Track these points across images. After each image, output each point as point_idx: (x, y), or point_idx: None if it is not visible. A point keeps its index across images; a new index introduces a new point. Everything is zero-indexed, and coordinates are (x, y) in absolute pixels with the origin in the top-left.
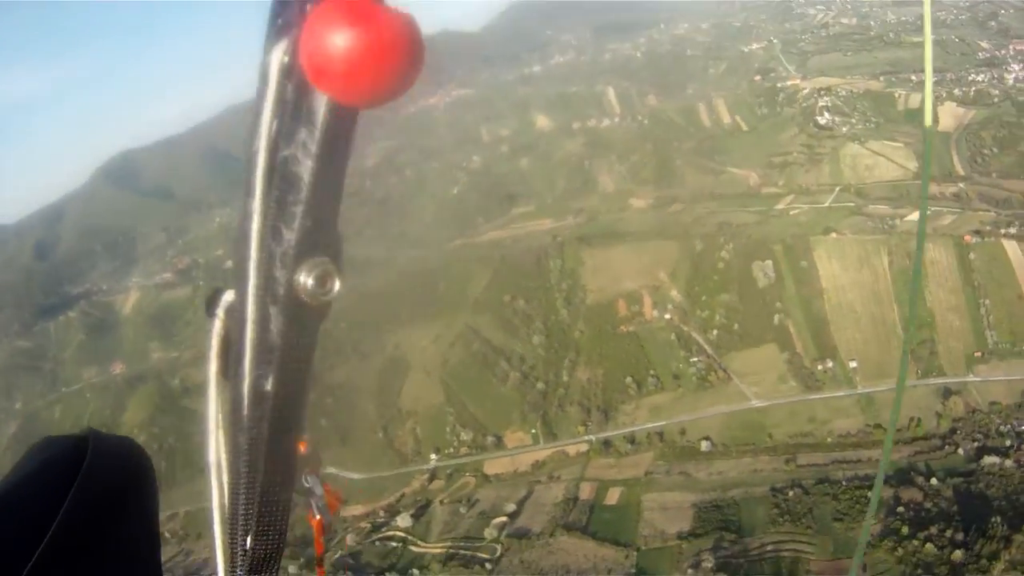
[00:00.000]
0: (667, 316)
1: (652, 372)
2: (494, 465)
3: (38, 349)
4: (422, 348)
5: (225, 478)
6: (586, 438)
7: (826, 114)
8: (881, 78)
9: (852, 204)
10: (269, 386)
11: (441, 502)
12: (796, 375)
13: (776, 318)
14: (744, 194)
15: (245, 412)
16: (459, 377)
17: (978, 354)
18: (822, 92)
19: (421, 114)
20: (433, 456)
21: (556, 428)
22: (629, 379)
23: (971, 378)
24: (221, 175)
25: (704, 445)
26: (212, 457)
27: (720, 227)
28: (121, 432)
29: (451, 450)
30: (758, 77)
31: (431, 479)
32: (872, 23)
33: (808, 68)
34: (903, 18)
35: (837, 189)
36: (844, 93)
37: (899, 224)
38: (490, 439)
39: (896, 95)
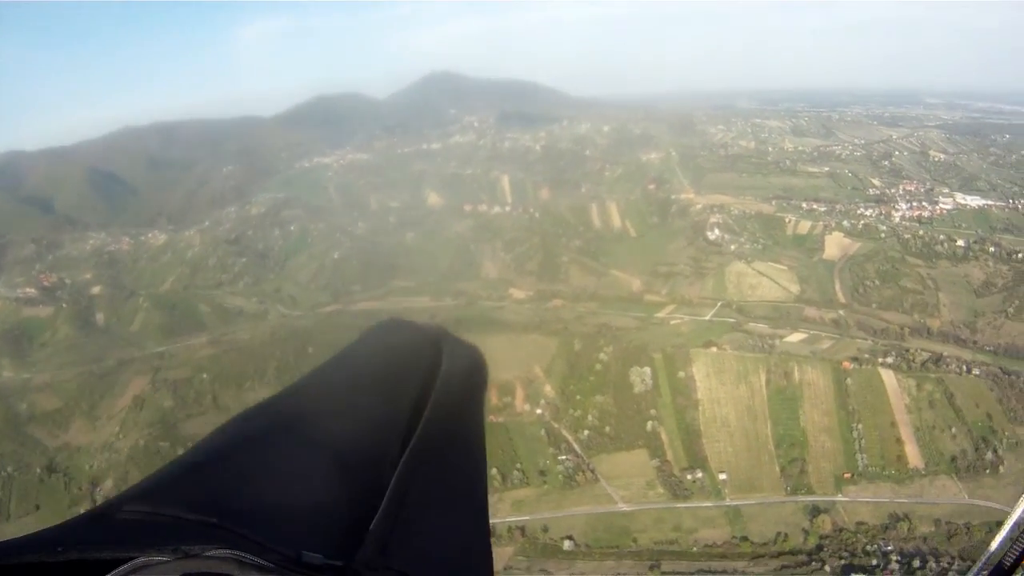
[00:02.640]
0: (539, 411)
1: (518, 465)
2: None
3: None
4: None
5: None
6: None
7: (716, 230)
8: (773, 202)
9: (733, 320)
10: None
11: None
12: (665, 482)
13: (649, 424)
14: (626, 299)
15: None
16: None
17: (847, 475)
18: (714, 209)
19: (314, 171)
20: None
21: None
22: (494, 470)
23: (839, 498)
24: (103, 196)
25: (567, 544)
26: None
27: (600, 328)
28: None
29: None
30: (652, 186)
31: None
32: (770, 148)
33: (703, 184)
34: (800, 148)
35: (719, 304)
36: (736, 212)
37: (778, 344)
38: None
39: (786, 220)
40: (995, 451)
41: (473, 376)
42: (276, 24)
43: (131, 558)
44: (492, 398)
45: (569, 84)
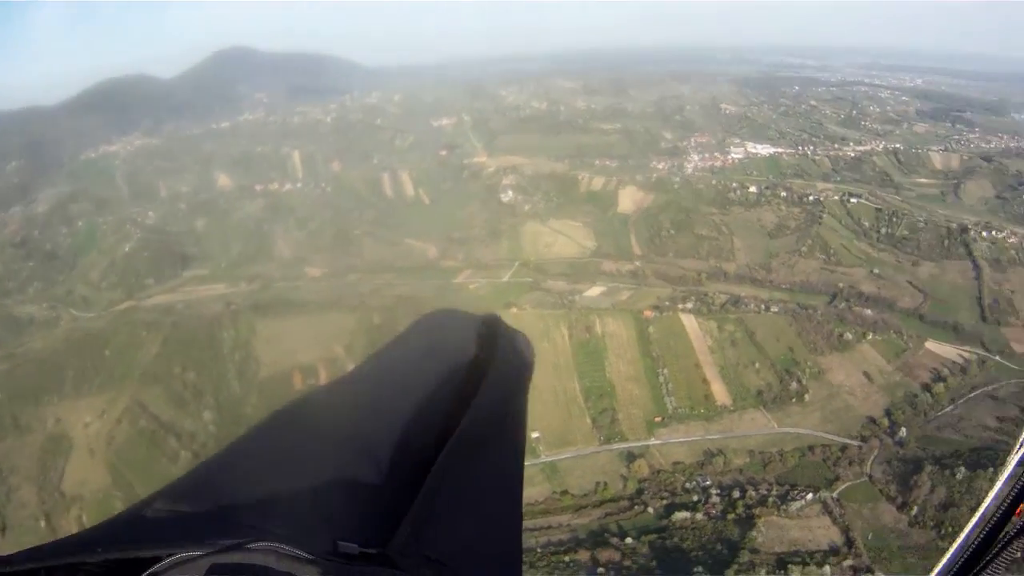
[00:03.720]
0: None
1: None
2: None
3: None
4: (86, 424)
5: None
6: None
7: (510, 192)
8: (566, 161)
9: (531, 280)
10: None
11: None
12: None
13: None
14: (423, 267)
15: None
16: (126, 457)
17: (658, 419)
18: (507, 171)
19: (101, 161)
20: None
21: None
22: None
23: (653, 441)
24: None
25: None
26: None
27: (398, 300)
28: None
29: None
30: (444, 152)
31: None
32: (562, 108)
33: (495, 147)
34: (592, 106)
35: (516, 264)
36: (529, 173)
37: (578, 299)
38: None
39: (580, 177)
40: (799, 381)
41: (520, 367)
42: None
43: (171, 554)
44: (297, 382)
45: (362, 54)
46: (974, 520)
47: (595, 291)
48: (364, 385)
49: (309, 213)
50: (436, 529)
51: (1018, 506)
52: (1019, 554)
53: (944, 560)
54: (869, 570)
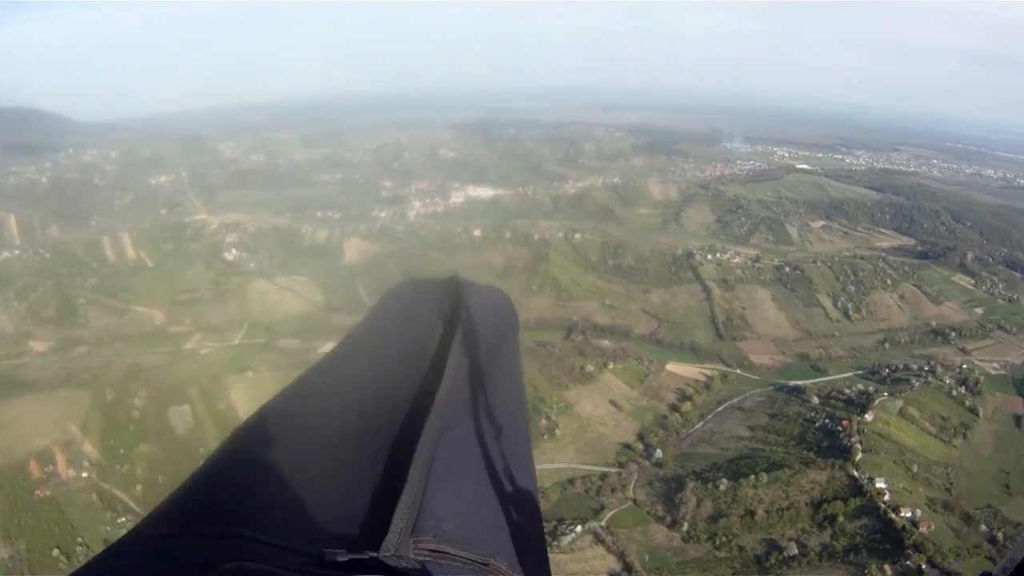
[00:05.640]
0: (84, 475)
1: (80, 540)
2: None
3: None
4: None
5: None
6: None
7: (233, 250)
8: (288, 215)
9: (263, 340)
10: None
11: None
12: None
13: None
14: (152, 334)
15: None
16: None
17: None
18: (229, 228)
19: None
20: None
21: None
22: (56, 551)
23: None
24: None
25: None
26: None
27: (130, 371)
28: None
29: None
30: (164, 211)
31: None
32: (281, 161)
33: (216, 203)
34: (311, 158)
35: (246, 325)
36: (252, 229)
37: (313, 358)
38: None
39: (303, 231)
40: (547, 417)
41: (498, 321)
42: None
43: None
44: (34, 470)
45: (73, 107)
46: None
47: (328, 346)
48: (339, 374)
49: (29, 282)
50: (433, 516)
51: None
52: None
53: None
54: None
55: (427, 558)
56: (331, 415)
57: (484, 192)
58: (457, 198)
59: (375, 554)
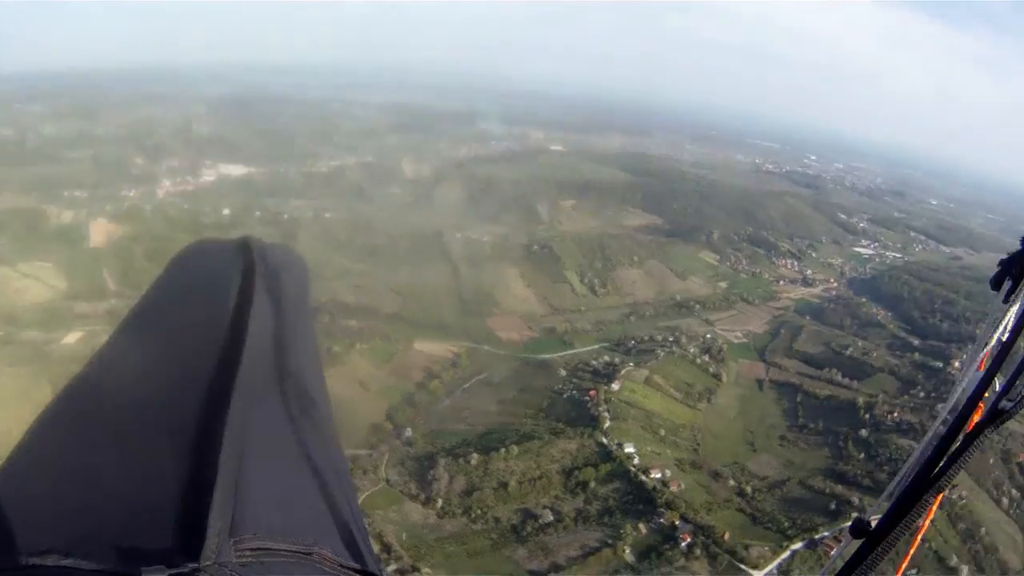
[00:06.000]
0: None
1: None
2: None
3: None
4: None
5: None
6: None
7: None
8: (34, 194)
9: (2, 333)
10: None
11: None
12: None
13: None
14: None
15: None
16: None
17: None
18: None
19: None
20: None
21: None
22: None
23: None
24: None
25: None
26: None
27: None
28: None
29: None
30: None
31: None
32: (30, 135)
33: None
34: (61, 133)
35: None
36: None
37: (55, 349)
38: None
39: (49, 212)
40: None
41: (293, 284)
42: None
43: None
44: None
45: None
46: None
47: (72, 337)
48: (128, 359)
49: None
50: (251, 509)
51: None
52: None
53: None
54: (415, 568)
55: (250, 559)
56: (125, 408)
57: (236, 170)
58: (209, 176)
59: (196, 565)
